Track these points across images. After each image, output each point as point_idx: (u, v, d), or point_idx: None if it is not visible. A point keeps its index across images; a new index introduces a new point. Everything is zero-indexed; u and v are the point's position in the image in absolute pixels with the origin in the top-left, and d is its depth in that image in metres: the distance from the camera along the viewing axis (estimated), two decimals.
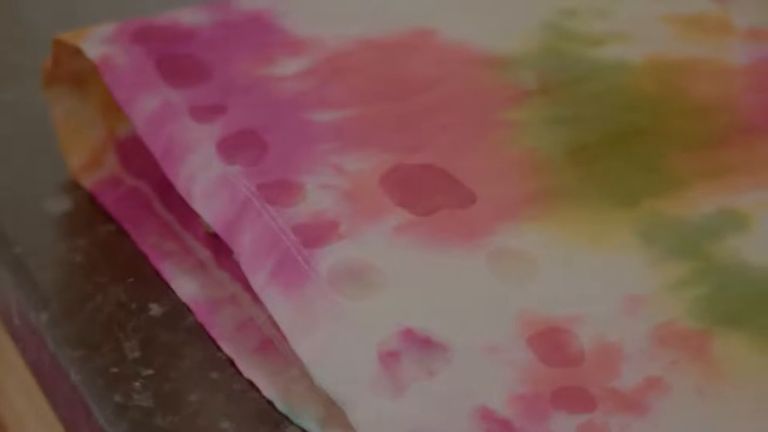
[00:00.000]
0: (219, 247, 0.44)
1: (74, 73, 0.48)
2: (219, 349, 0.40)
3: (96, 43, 0.45)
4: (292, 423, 0.36)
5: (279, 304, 0.37)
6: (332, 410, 0.37)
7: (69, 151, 0.49)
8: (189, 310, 0.41)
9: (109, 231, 0.45)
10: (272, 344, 0.40)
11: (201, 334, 0.40)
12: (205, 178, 0.41)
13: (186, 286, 0.42)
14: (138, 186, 0.47)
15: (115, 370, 0.38)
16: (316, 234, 0.38)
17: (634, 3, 0.51)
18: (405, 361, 0.35)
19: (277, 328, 0.40)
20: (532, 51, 0.47)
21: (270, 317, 0.41)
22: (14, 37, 0.58)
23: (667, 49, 0.48)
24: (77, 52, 0.47)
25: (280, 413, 0.37)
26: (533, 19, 0.49)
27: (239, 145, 0.42)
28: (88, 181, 0.48)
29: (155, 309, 0.41)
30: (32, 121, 0.52)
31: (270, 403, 0.37)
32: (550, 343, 0.36)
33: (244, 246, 0.39)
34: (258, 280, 0.38)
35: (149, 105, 0.43)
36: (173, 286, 0.42)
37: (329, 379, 0.35)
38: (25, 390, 0.53)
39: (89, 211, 0.47)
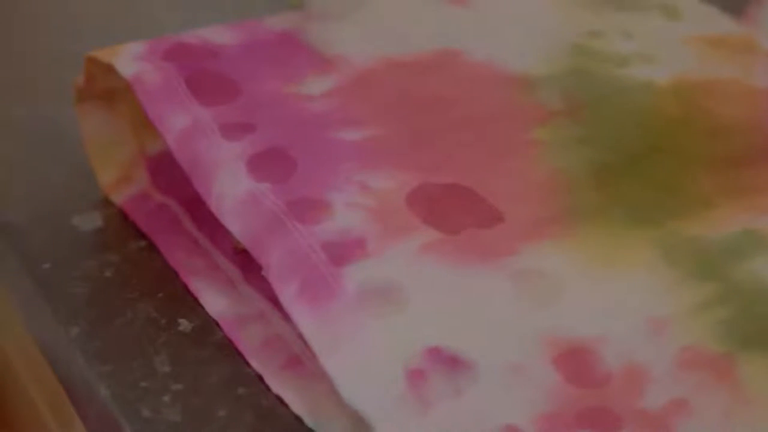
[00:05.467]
0: (248, 264, 0.44)
1: (105, 89, 0.49)
2: (247, 364, 0.40)
3: (128, 61, 0.46)
4: None
5: (307, 321, 0.37)
6: (360, 426, 0.37)
7: (99, 167, 0.49)
8: (218, 325, 0.42)
9: (139, 247, 0.46)
10: (300, 360, 0.40)
11: (229, 350, 0.41)
12: (234, 195, 0.41)
13: (215, 303, 0.43)
14: (167, 203, 0.48)
15: (144, 384, 0.39)
16: (344, 252, 0.39)
17: (658, 24, 0.51)
18: (432, 379, 0.35)
19: (306, 344, 0.41)
20: (557, 71, 0.48)
21: (298, 334, 0.41)
22: (46, 53, 0.58)
23: (691, 69, 0.49)
24: (109, 69, 0.48)
25: (308, 429, 0.37)
26: (559, 39, 0.50)
27: (268, 163, 0.42)
28: (118, 198, 0.49)
29: (184, 324, 0.42)
30: (61, 138, 0.53)
31: (298, 418, 0.38)
32: (576, 363, 0.37)
33: (273, 262, 0.39)
34: (286, 296, 0.38)
35: (180, 122, 0.44)
36: (202, 302, 0.43)
37: (357, 396, 0.35)
38: (55, 405, 0.53)
39: (119, 228, 0.47)
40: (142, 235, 0.47)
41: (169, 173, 0.49)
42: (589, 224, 0.41)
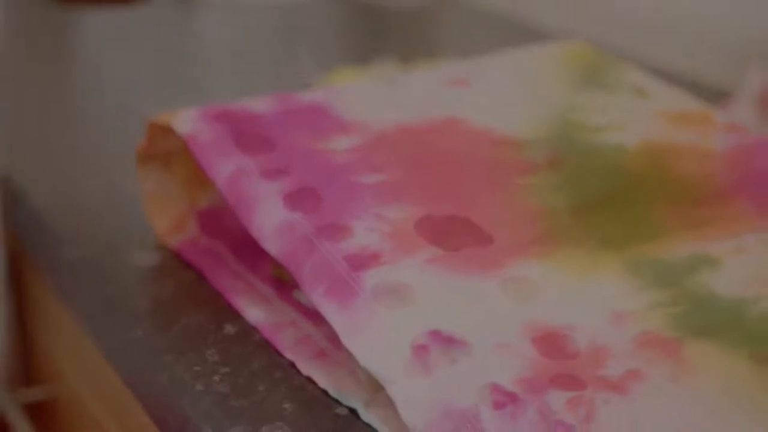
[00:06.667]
0: (281, 285, 0.53)
1: (162, 152, 0.59)
2: (282, 357, 0.48)
3: (184, 122, 0.55)
4: (342, 405, 0.45)
5: (334, 314, 0.46)
6: (374, 395, 0.45)
7: (155, 218, 0.59)
8: (257, 330, 0.50)
9: (190, 278, 0.55)
10: (326, 353, 0.48)
11: (267, 348, 0.49)
12: (272, 223, 0.50)
13: (254, 314, 0.51)
14: (214, 245, 0.57)
15: (198, 368, 0.47)
16: (362, 261, 0.48)
17: (629, 101, 0.61)
18: (432, 352, 0.44)
19: (330, 341, 0.49)
20: (543, 136, 0.57)
21: (324, 334, 0.49)
22: (108, 121, 0.68)
23: (657, 136, 0.58)
24: (167, 133, 0.57)
25: (332, 399, 0.45)
26: (544, 112, 0.59)
27: (300, 198, 0.51)
28: (172, 242, 0.58)
29: (229, 328, 0.50)
30: (122, 194, 0.62)
31: (324, 392, 0.46)
32: (551, 343, 0.45)
33: (304, 272, 0.48)
34: (316, 297, 0.47)
35: (227, 169, 0.53)
36: (243, 314, 0.51)
37: (373, 364, 0.43)
38: (110, 402, 0.61)
39: (173, 265, 0.56)
40: (192, 270, 0.56)
41: (216, 222, 0.58)
42: (566, 247, 0.50)
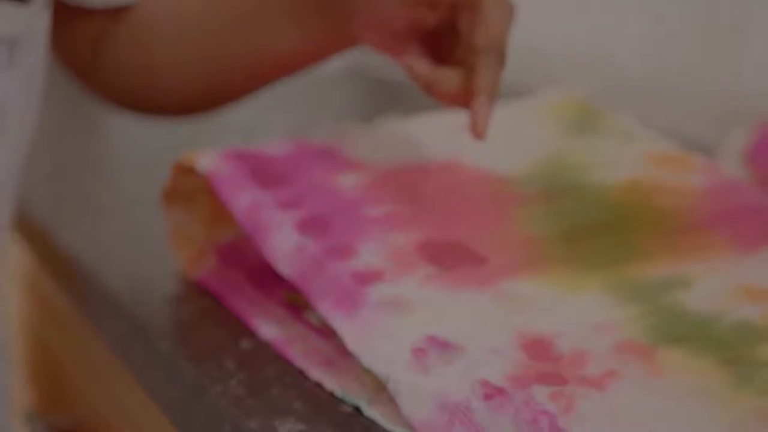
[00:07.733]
0: (294, 309, 0.58)
1: (186, 191, 0.64)
2: (293, 367, 0.53)
3: (206, 162, 0.61)
4: (347, 404, 0.49)
5: (340, 323, 0.51)
6: (376, 396, 0.50)
7: (179, 251, 0.64)
8: (270, 346, 0.55)
9: (209, 303, 0.60)
10: (333, 362, 0.53)
11: (279, 360, 0.54)
12: (286, 247, 0.55)
13: (268, 331, 0.56)
14: (232, 275, 0.62)
15: (216, 374, 0.52)
16: (366, 278, 0.52)
17: (615, 144, 0.66)
18: (430, 354, 0.48)
19: (337, 351, 0.54)
20: (535, 173, 0.62)
21: (332, 346, 0.54)
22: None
23: (640, 174, 0.63)
24: (190, 173, 0.63)
25: (338, 400, 0.50)
26: (539, 153, 0.64)
27: (311, 225, 0.56)
28: (193, 273, 0.63)
29: (245, 343, 0.55)
30: (146, 232, 0.67)
31: (331, 394, 0.50)
32: (537, 348, 0.49)
33: (314, 288, 0.53)
34: (324, 309, 0.52)
35: (245, 200, 0.58)
36: (258, 332, 0.56)
37: (376, 365, 0.48)
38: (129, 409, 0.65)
39: (194, 292, 0.61)
40: (211, 297, 0.60)
41: (234, 254, 0.63)
42: (554, 268, 0.55)
